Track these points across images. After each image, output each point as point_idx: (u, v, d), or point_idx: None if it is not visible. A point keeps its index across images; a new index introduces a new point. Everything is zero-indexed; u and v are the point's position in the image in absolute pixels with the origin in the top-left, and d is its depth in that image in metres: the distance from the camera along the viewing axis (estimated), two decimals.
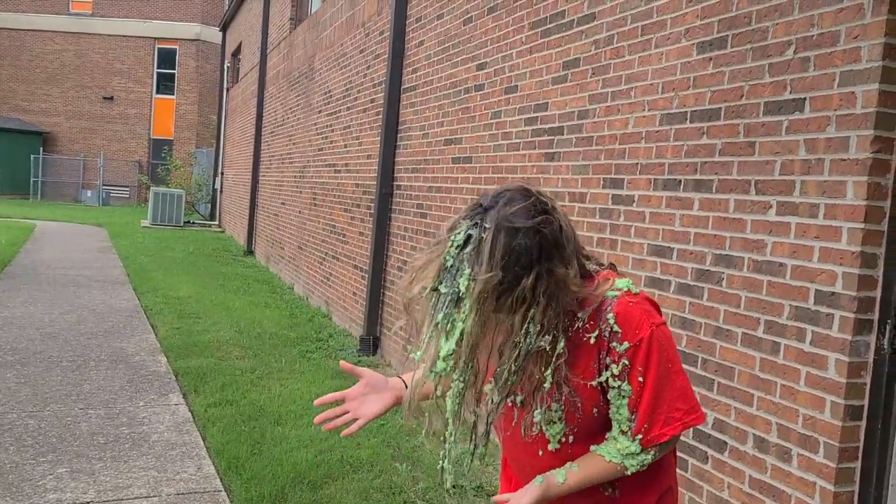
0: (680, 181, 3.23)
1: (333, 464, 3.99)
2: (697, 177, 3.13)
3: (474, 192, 5.09)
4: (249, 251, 14.42)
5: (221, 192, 20.20)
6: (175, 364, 5.87)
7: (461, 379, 1.38)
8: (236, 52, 19.25)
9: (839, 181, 2.50)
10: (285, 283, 10.96)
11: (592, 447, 1.46)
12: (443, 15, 5.79)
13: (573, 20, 4.05)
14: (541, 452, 1.52)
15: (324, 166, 9.32)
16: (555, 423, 1.47)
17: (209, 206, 22.12)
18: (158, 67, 30.30)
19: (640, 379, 1.41)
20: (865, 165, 2.42)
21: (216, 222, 20.58)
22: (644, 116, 3.46)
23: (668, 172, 3.30)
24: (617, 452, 1.43)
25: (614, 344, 1.40)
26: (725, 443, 2.93)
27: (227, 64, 20.52)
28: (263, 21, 14.31)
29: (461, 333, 1.30)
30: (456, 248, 1.32)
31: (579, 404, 1.46)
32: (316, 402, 1.69)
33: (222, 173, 20.08)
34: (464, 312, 1.29)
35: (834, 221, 2.52)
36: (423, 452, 4.32)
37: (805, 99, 2.64)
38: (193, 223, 20.30)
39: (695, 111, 3.15)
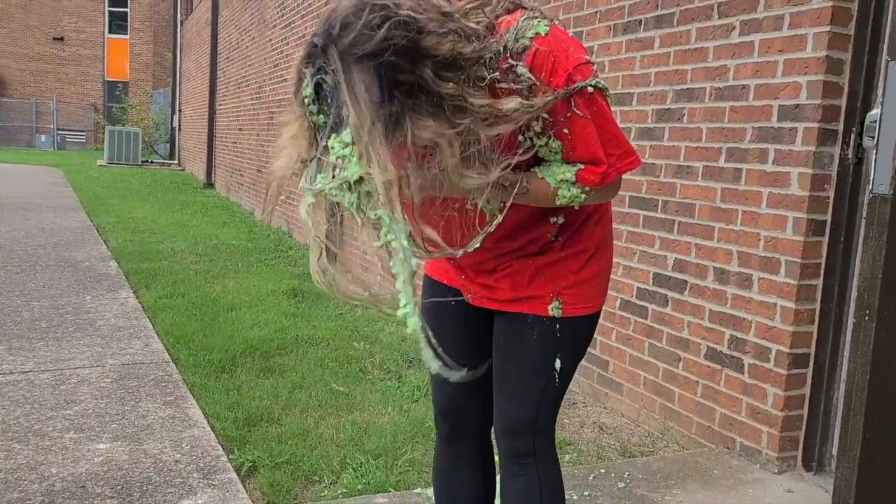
0: (640, 21, 3.08)
1: (288, 340, 3.87)
2: (658, 12, 2.99)
3: None
4: (209, 184, 14.06)
5: (180, 130, 19.65)
6: (126, 267, 5.67)
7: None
8: None
9: None
10: (245, 209, 10.70)
11: (534, 168, 1.33)
12: None
13: None
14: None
15: (280, 83, 9.01)
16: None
17: (168, 146, 21.54)
18: (110, 5, 29.15)
19: (566, 130, 1.27)
20: None
21: (176, 161, 20.06)
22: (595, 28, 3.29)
23: (629, 14, 3.15)
24: (553, 176, 1.29)
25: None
26: (685, 282, 2.85)
27: None
28: None
29: (379, 184, 1.11)
30: (315, 104, 1.14)
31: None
32: None
33: (180, 111, 19.50)
34: (372, 165, 1.10)
35: (799, 30, 2.40)
36: (383, 335, 4.21)
37: None
38: (152, 163, 19.76)
39: None
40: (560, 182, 1.29)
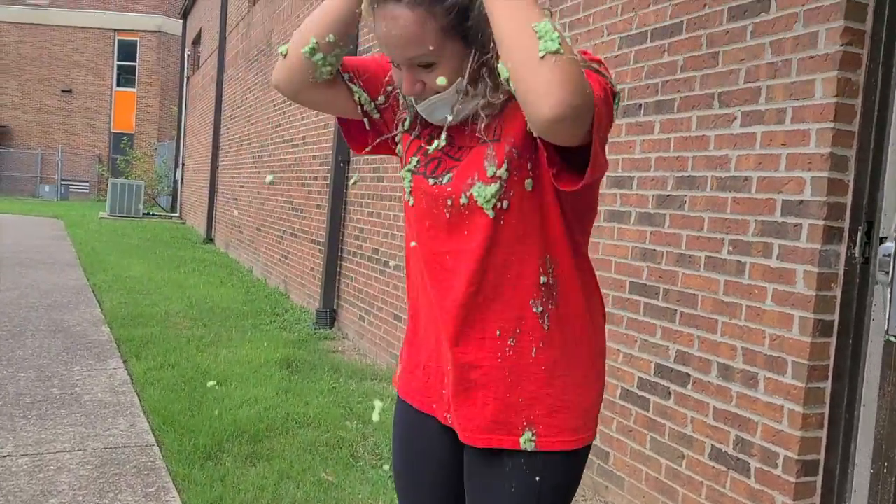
0: (640, 105, 3.05)
1: (278, 420, 3.75)
2: (658, 98, 2.95)
3: None
4: (209, 239, 14.04)
5: (183, 183, 19.74)
6: (118, 333, 5.57)
7: None
8: (196, 40, 18.83)
9: (807, 80, 2.34)
10: (244, 266, 10.64)
11: None
12: None
13: None
14: (465, 233, 1.29)
15: (282, 142, 9.04)
16: (490, 182, 1.24)
17: (170, 198, 21.62)
18: (119, 60, 29.64)
19: None
20: (835, 60, 2.25)
21: (177, 214, 20.10)
22: (604, 42, 3.28)
23: (628, 98, 3.12)
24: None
25: None
26: (688, 375, 2.75)
27: (187, 52, 20.06)
28: (222, 4, 13.96)
29: None
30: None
31: (516, 154, 1.24)
32: None
33: (183, 164, 19.62)
34: None
35: (802, 125, 2.35)
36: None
37: None
38: (154, 215, 19.80)
39: (655, 29, 2.98)
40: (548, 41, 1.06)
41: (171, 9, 28.87)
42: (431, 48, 1.19)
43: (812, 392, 2.31)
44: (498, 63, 1.13)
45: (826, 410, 2.33)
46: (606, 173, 1.35)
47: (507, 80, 1.10)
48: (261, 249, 9.75)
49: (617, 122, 3.15)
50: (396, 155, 1.49)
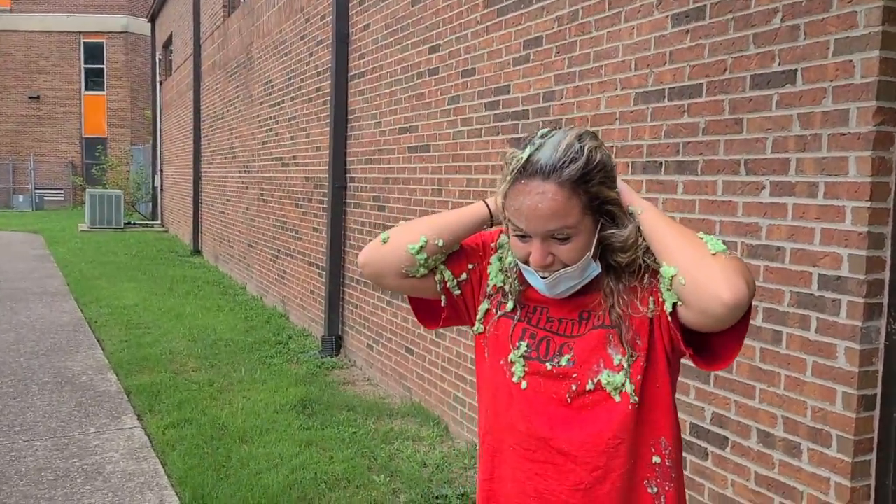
0: (661, 163, 3.04)
1: (307, 483, 3.74)
2: (680, 158, 2.95)
3: (435, 183, 4.85)
4: (196, 251, 13.91)
5: (162, 189, 19.49)
6: (126, 381, 5.51)
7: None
8: (168, 44, 18.50)
9: (840, 157, 2.34)
10: (237, 282, 10.56)
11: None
12: None
13: None
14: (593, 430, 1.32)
15: (270, 160, 8.94)
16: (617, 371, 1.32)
17: (150, 205, 21.34)
18: (85, 63, 29.04)
19: None
20: (868, 139, 2.26)
21: (158, 222, 19.88)
22: (617, 96, 3.26)
23: (648, 155, 3.11)
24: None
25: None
26: (727, 438, 2.77)
27: (158, 56, 19.71)
28: (194, 10, 13.70)
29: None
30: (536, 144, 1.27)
31: (638, 341, 1.33)
32: None
33: (161, 170, 19.36)
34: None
35: (836, 201, 2.36)
36: (400, 460, 4.10)
37: (796, 70, 2.47)
38: (135, 224, 19.56)
39: (673, 88, 2.96)
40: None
41: (137, 8, 28.31)
42: (573, 222, 1.26)
43: (859, 466, 2.35)
44: (661, 267, 1.26)
45: (872, 482, 2.37)
46: None
47: (671, 278, 1.24)
48: (254, 266, 9.67)
49: (636, 177, 3.15)
50: (471, 325, 1.48)
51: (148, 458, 4.11)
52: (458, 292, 1.44)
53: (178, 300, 8.88)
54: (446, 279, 1.42)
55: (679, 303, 1.26)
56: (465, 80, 4.48)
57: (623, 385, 1.30)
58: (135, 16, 28.23)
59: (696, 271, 1.21)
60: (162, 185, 19.47)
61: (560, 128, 1.32)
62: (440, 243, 1.37)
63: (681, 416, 2.96)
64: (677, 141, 2.95)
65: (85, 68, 29.09)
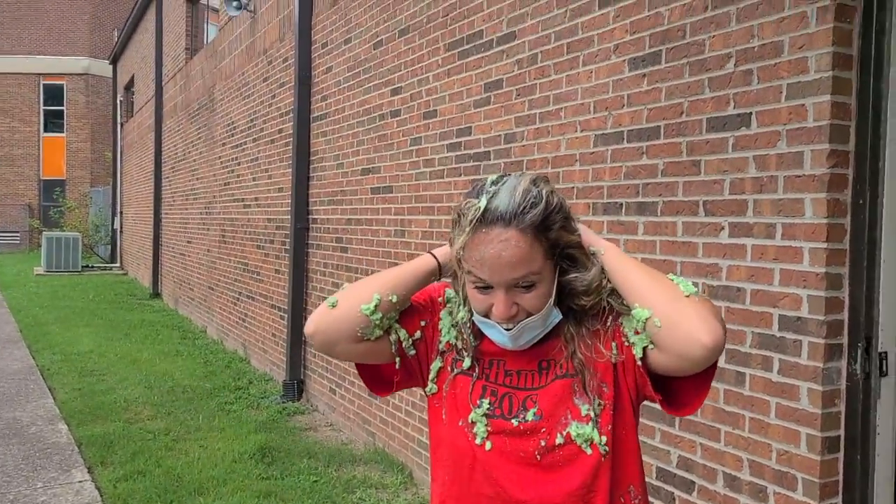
0: (621, 204, 3.05)
1: None
2: (640, 199, 2.96)
3: (397, 224, 4.82)
4: (156, 294, 13.63)
5: (121, 232, 19.15)
6: (77, 432, 5.30)
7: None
8: (129, 85, 18.36)
9: (796, 199, 2.36)
10: (197, 326, 10.34)
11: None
12: (350, 39, 5.52)
13: (492, 40, 3.86)
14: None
15: (231, 201, 8.84)
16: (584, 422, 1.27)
17: (109, 247, 20.93)
18: (45, 105, 28.65)
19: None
20: (823, 181, 2.28)
21: (118, 265, 19.48)
22: (577, 138, 3.28)
23: (608, 196, 3.12)
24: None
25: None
26: (693, 482, 2.74)
27: (119, 98, 19.56)
28: (157, 52, 13.66)
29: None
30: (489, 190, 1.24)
31: (605, 388, 1.29)
32: None
33: (121, 212, 19.05)
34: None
35: (793, 242, 2.37)
36: None
37: (751, 113, 2.50)
38: (93, 267, 19.13)
39: (631, 130, 2.99)
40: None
41: (98, 50, 28.12)
42: (537, 268, 1.23)
43: None
44: (632, 309, 1.24)
45: None
46: None
47: (645, 321, 1.21)
48: (215, 309, 9.49)
49: (598, 218, 3.15)
50: (423, 386, 1.41)
51: None
52: (412, 352, 1.37)
53: (134, 345, 8.64)
54: (401, 338, 1.35)
55: (650, 346, 1.23)
56: (426, 121, 4.49)
57: (592, 436, 1.25)
58: (96, 58, 28.02)
59: (673, 314, 1.18)
60: (121, 228, 19.14)
61: (509, 174, 1.29)
62: (394, 299, 1.31)
63: (646, 459, 2.92)
64: (637, 182, 2.97)
65: (44, 110, 28.70)
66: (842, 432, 2.33)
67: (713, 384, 2.60)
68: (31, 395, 6.39)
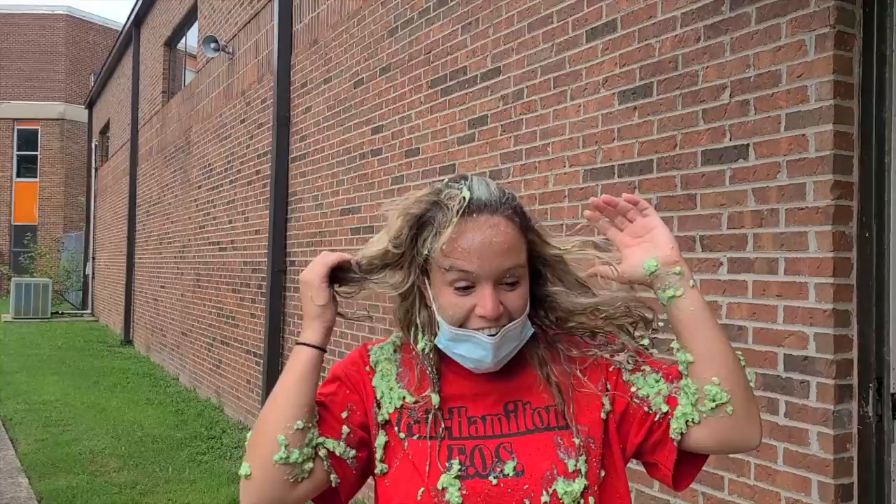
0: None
1: None
2: None
3: None
4: (127, 340, 13.26)
5: (94, 278, 18.77)
6: (38, 486, 5.00)
7: None
8: (104, 130, 18.21)
9: (799, 232, 2.27)
10: (169, 373, 10.02)
11: None
12: (331, 79, 5.44)
13: (476, 76, 3.79)
14: None
15: (206, 245, 8.65)
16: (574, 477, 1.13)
17: (80, 293, 20.48)
18: (19, 150, 28.34)
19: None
20: (828, 213, 2.19)
21: (89, 311, 19.04)
22: (565, 173, 3.18)
23: (599, 232, 3.01)
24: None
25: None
26: None
27: (94, 142, 19.37)
28: (133, 96, 13.56)
29: None
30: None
31: (592, 445, 1.16)
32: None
33: (94, 258, 18.69)
34: None
35: (798, 277, 2.27)
36: None
37: (748, 145, 2.42)
38: (63, 314, 18.68)
39: (623, 164, 2.90)
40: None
41: (73, 94, 27.98)
42: (524, 260, 1.15)
43: None
44: (706, 385, 1.15)
45: None
46: None
47: (718, 406, 1.13)
48: (188, 356, 9.20)
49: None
50: (372, 471, 1.23)
51: None
52: (352, 454, 1.16)
53: (103, 394, 8.32)
54: (333, 450, 1.14)
55: (693, 421, 1.14)
56: (409, 159, 4.38)
57: (581, 496, 1.11)
58: (72, 103, 27.87)
59: (747, 407, 1.15)
60: (94, 273, 18.76)
61: (464, 174, 1.20)
62: (299, 425, 1.10)
63: None
64: None
65: (18, 155, 28.38)
66: (855, 479, 2.20)
67: None
68: None
